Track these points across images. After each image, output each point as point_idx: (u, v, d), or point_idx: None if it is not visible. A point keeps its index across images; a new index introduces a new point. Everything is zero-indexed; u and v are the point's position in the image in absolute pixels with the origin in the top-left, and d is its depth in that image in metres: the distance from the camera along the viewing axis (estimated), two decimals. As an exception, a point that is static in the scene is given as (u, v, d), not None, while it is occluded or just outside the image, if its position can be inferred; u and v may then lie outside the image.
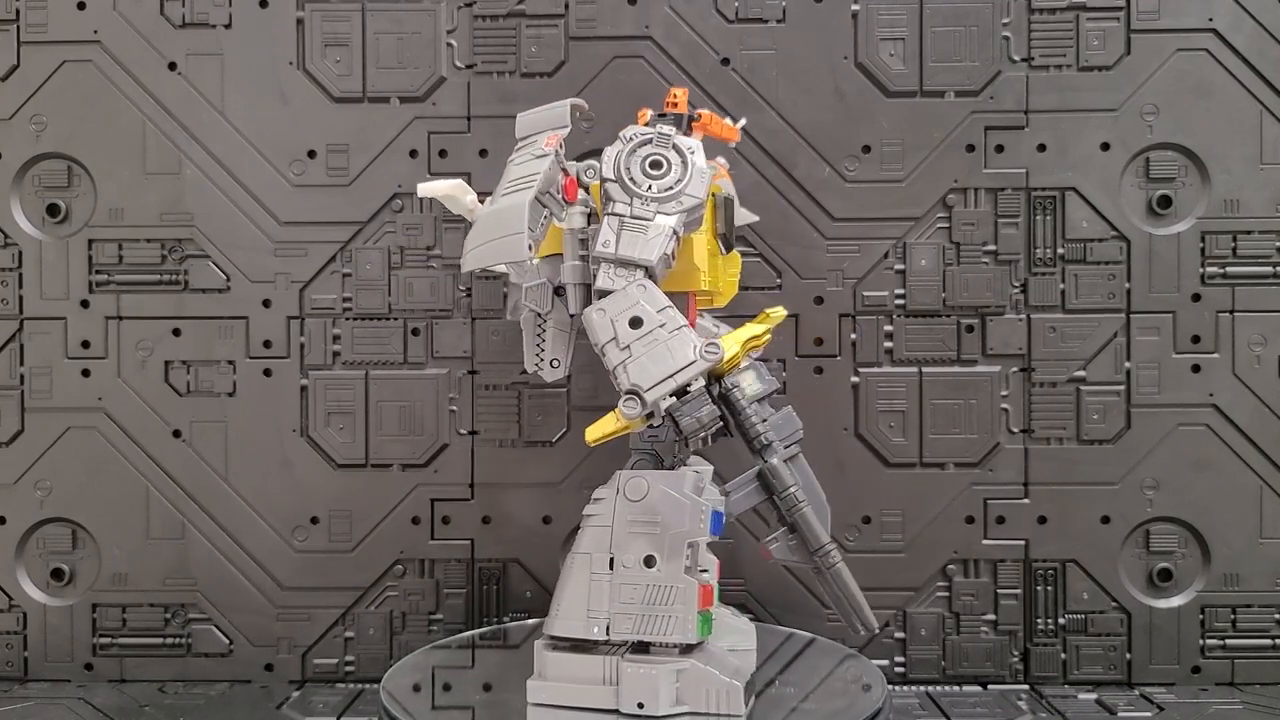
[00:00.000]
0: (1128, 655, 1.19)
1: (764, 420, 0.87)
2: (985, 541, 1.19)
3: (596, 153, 0.88)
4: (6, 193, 1.19)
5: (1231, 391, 1.18)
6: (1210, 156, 1.18)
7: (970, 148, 1.18)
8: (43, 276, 1.19)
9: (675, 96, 0.91)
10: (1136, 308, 1.18)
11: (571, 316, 0.91)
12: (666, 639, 0.84)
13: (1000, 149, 1.18)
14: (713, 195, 0.91)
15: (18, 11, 1.19)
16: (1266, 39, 1.17)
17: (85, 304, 1.19)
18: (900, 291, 1.19)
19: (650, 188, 0.85)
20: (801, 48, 1.18)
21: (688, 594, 0.84)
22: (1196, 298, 1.18)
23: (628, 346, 0.82)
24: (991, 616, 1.19)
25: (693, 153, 0.86)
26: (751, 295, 1.16)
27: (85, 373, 1.20)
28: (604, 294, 0.84)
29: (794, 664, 1.05)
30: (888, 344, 1.19)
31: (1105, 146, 1.18)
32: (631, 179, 0.85)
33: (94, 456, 1.19)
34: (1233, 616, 1.18)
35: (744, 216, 1.06)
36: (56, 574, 1.20)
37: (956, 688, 1.18)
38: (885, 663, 1.18)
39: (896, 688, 1.18)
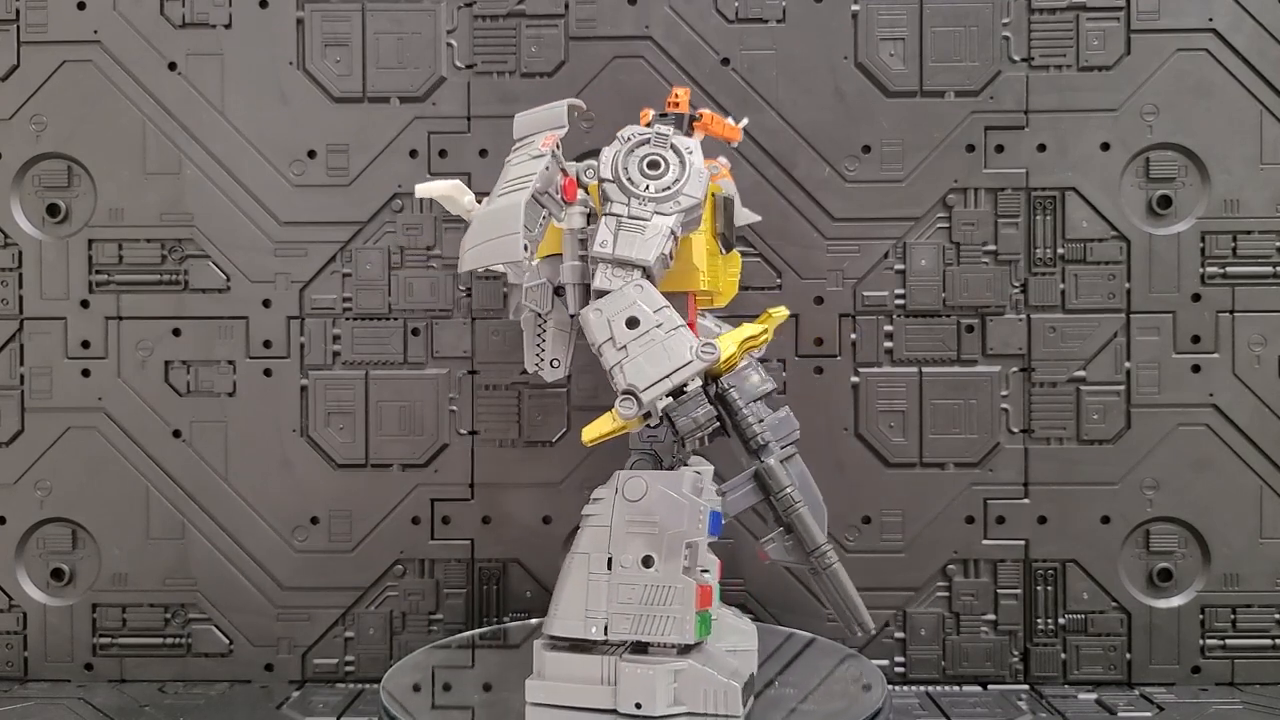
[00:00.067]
0: (1128, 655, 1.18)
1: (760, 421, 0.87)
2: (985, 541, 1.19)
3: (596, 153, 0.88)
4: (6, 193, 1.19)
5: (1231, 391, 1.18)
6: (1210, 156, 1.17)
7: (970, 148, 1.18)
8: (43, 276, 1.19)
9: (677, 96, 0.91)
10: (1136, 308, 1.18)
11: (571, 317, 0.91)
12: (664, 639, 0.84)
13: (1000, 149, 1.18)
14: (712, 195, 0.91)
15: (18, 11, 1.19)
16: (1266, 39, 1.17)
17: (85, 304, 1.20)
18: (900, 291, 1.19)
19: (648, 188, 0.85)
20: (801, 48, 1.18)
21: (685, 594, 0.84)
22: (1196, 298, 1.18)
23: (624, 347, 0.82)
24: (991, 616, 1.19)
25: (690, 153, 0.86)
26: (751, 295, 1.16)
27: (85, 373, 1.20)
28: (602, 294, 0.84)
29: (794, 664, 1.05)
30: (888, 344, 1.19)
31: (1105, 146, 1.18)
32: (629, 179, 0.85)
33: (94, 456, 1.20)
34: (1233, 616, 1.18)
35: (746, 216, 1.06)
36: (56, 574, 1.20)
37: (956, 688, 1.18)
38: (885, 663, 1.18)
39: (896, 688, 1.18)
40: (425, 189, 0.95)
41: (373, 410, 1.19)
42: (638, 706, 0.83)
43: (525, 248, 0.80)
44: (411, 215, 1.19)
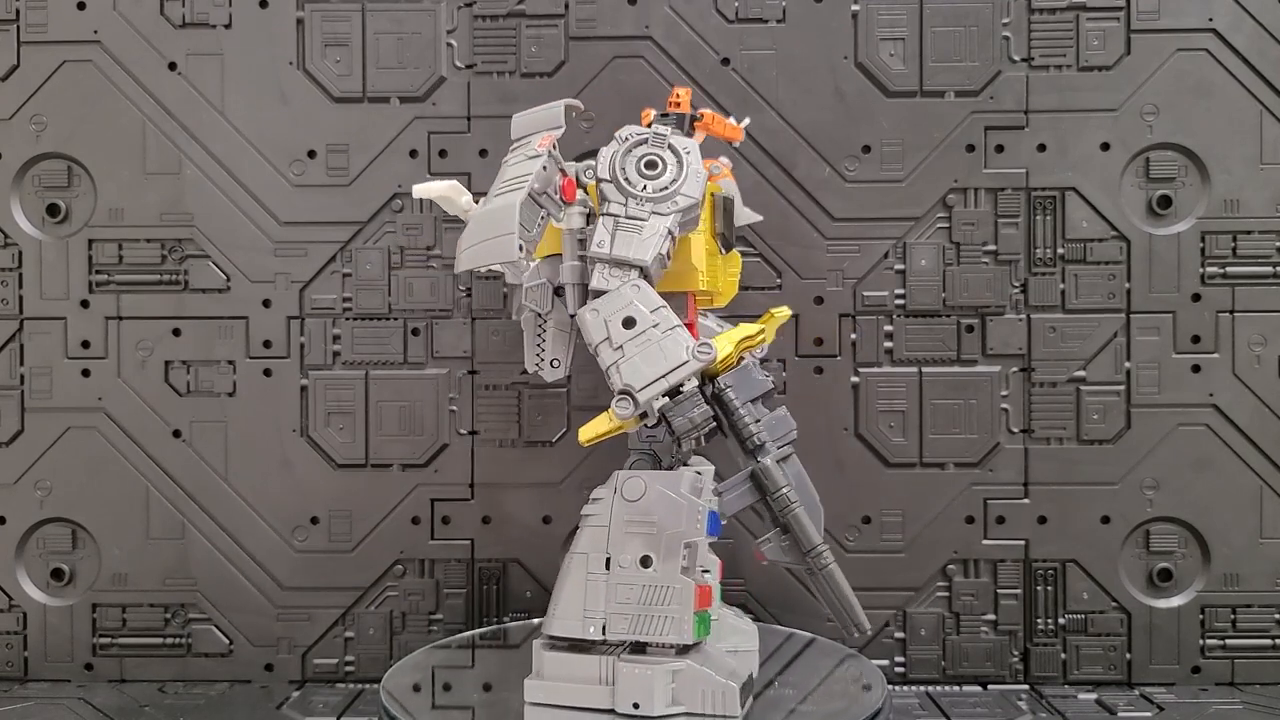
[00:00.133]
0: (1128, 655, 1.18)
1: (757, 421, 0.86)
2: (985, 541, 1.19)
3: (596, 153, 0.88)
4: (6, 193, 1.19)
5: (1231, 391, 1.18)
6: (1210, 156, 1.17)
7: (970, 148, 1.18)
8: (43, 276, 1.20)
9: (678, 96, 0.91)
10: (1136, 308, 1.18)
11: (571, 317, 0.91)
12: (662, 639, 0.84)
13: (1000, 149, 1.18)
14: (711, 195, 0.91)
15: (18, 11, 1.19)
16: (1266, 39, 1.17)
17: (85, 304, 1.20)
18: (900, 291, 1.19)
19: (645, 188, 0.85)
20: (801, 48, 1.18)
21: (684, 594, 0.84)
22: (1196, 298, 1.18)
23: (621, 346, 0.82)
24: (991, 616, 1.19)
25: (688, 153, 0.86)
26: (751, 295, 1.16)
27: (85, 373, 1.20)
28: (599, 294, 0.84)
29: (794, 664, 1.05)
30: (888, 344, 1.19)
31: (1105, 146, 1.17)
32: (626, 179, 0.85)
33: (94, 456, 1.20)
34: (1233, 616, 1.18)
35: (747, 216, 1.05)
36: (56, 574, 1.20)
37: (956, 688, 1.18)
38: (885, 663, 1.18)
39: (896, 688, 1.18)
40: (423, 189, 0.95)
41: (373, 410, 1.20)
42: (636, 706, 0.83)
43: (521, 248, 0.80)
44: (411, 215, 1.19)
